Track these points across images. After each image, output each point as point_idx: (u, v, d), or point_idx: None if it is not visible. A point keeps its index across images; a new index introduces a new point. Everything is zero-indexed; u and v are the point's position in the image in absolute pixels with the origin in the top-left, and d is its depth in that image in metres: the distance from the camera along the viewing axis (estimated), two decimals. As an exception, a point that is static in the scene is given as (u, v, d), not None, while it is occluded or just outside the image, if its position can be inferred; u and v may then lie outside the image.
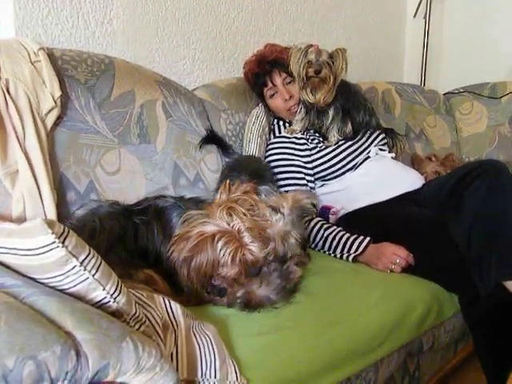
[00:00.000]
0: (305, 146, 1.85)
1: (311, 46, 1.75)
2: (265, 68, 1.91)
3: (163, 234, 1.24)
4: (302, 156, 1.84)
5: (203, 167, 1.71)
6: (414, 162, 2.38)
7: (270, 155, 1.87)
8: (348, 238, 1.56)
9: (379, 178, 1.81)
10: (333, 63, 1.73)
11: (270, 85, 1.92)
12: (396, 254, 1.48)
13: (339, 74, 1.75)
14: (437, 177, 2.12)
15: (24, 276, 0.82)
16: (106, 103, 1.51)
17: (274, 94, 1.93)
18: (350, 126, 1.86)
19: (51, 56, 1.42)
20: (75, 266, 0.78)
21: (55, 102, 1.36)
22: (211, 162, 1.74)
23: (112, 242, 1.19)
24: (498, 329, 1.36)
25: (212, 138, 1.78)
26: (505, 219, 1.38)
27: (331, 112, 1.82)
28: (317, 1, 2.55)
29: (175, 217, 1.26)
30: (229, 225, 1.14)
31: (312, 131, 1.89)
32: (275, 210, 1.26)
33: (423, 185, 1.82)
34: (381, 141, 1.93)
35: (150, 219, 1.26)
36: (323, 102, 1.78)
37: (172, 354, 0.91)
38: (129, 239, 1.22)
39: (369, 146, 1.88)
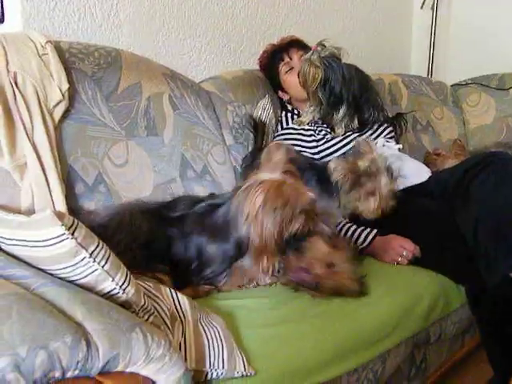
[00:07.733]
0: (312, 138, 1.85)
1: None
2: (283, 45, 1.97)
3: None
4: (309, 147, 1.84)
5: (210, 159, 1.71)
6: (429, 162, 2.30)
7: (277, 147, 1.87)
8: (355, 231, 1.56)
9: (386, 169, 1.81)
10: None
11: (286, 59, 1.93)
12: (402, 247, 1.47)
13: (308, 79, 1.77)
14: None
15: (34, 267, 0.83)
16: (113, 96, 1.51)
17: (289, 70, 1.92)
18: (356, 122, 1.86)
19: (58, 49, 1.42)
20: (84, 258, 0.79)
21: (63, 95, 1.36)
22: (218, 155, 1.74)
23: (132, 244, 1.17)
24: (504, 320, 1.36)
25: (256, 127, 1.80)
26: (511, 211, 1.37)
27: (343, 108, 1.82)
28: (323, -8, 2.54)
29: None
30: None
31: (320, 122, 1.89)
32: None
33: (430, 176, 1.81)
34: (388, 134, 1.93)
35: (189, 232, 1.22)
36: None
37: (180, 345, 0.91)
38: (158, 250, 1.20)
39: (376, 138, 1.88)
